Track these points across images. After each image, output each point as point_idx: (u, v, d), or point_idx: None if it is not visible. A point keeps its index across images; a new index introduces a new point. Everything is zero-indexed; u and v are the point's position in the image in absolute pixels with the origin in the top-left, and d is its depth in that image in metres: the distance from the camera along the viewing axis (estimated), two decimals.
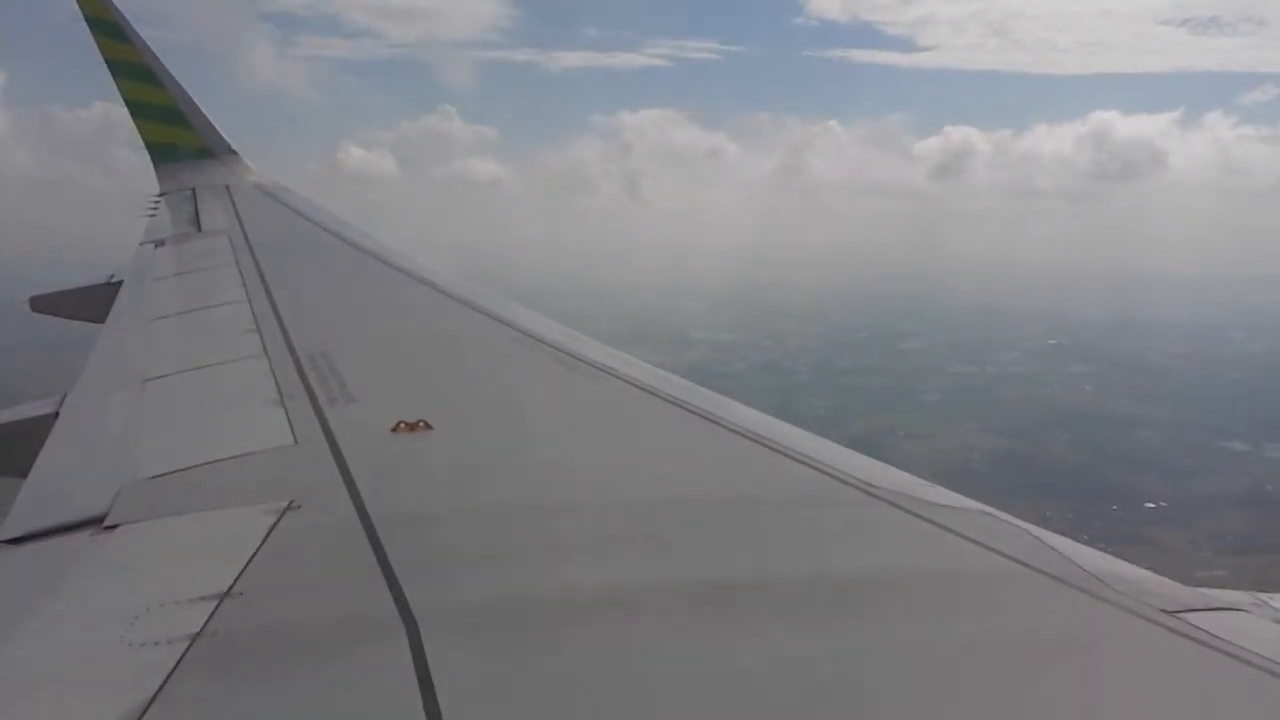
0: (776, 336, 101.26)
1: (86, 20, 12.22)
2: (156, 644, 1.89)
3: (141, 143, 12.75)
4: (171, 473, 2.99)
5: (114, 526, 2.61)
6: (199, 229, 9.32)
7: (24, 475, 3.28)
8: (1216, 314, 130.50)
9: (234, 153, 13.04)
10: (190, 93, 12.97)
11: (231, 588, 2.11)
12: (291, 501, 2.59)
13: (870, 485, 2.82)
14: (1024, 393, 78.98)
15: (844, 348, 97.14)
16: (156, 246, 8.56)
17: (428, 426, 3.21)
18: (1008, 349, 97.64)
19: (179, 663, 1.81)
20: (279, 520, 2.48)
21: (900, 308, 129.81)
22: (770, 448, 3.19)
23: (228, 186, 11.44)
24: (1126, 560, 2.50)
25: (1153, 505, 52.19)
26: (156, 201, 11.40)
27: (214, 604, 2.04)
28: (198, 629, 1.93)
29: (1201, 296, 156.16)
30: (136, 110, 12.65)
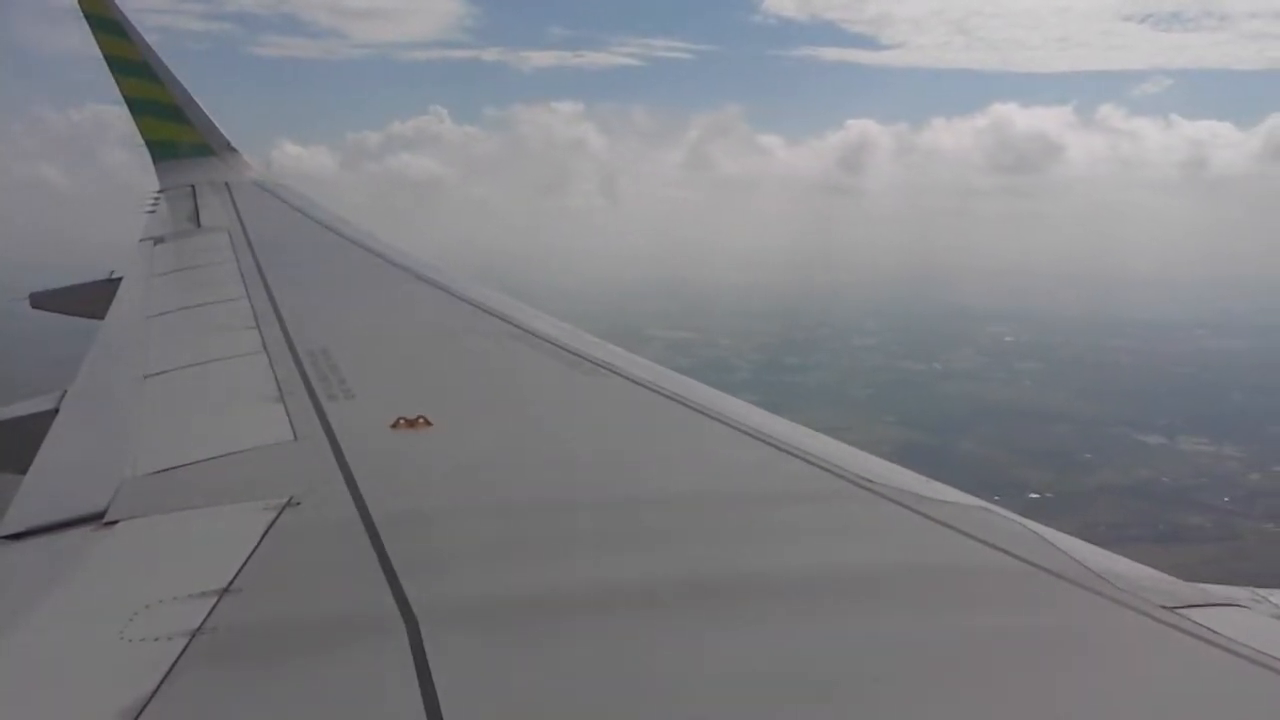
0: (738, 335, 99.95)
1: (86, 17, 11.86)
2: (156, 640, 1.81)
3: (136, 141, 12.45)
4: (171, 469, 2.88)
5: (113, 522, 2.51)
6: (198, 225, 9.14)
7: (24, 471, 3.17)
8: (1186, 313, 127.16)
9: (234, 149, 12.79)
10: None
11: (231, 584, 2.03)
12: (291, 498, 2.50)
13: (870, 481, 2.75)
14: (959, 388, 78.57)
15: (799, 345, 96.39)
16: (156, 243, 8.38)
17: (427, 423, 3.11)
18: (964, 346, 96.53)
19: (178, 659, 1.73)
20: (278, 516, 2.40)
21: (870, 306, 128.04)
22: (770, 444, 3.10)
23: (227, 183, 11.23)
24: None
25: (1036, 496, 50.76)
26: (156, 198, 11.14)
27: (213, 600, 1.96)
28: (197, 625, 1.85)
29: (1175, 295, 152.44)
30: (136, 107, 12.32)
